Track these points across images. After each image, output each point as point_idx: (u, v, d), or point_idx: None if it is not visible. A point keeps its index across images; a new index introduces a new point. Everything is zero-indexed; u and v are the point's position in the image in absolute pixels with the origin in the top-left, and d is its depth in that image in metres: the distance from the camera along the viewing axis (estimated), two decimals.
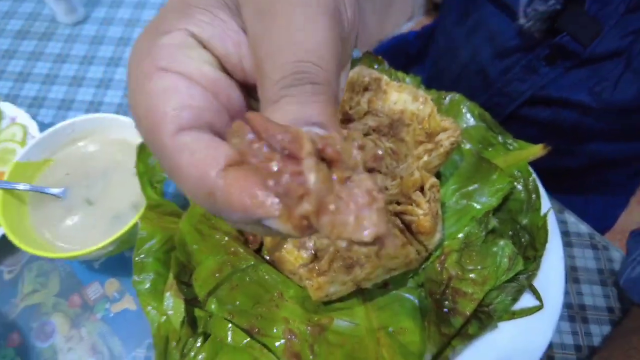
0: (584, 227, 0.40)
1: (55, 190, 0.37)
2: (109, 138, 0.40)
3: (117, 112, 0.47)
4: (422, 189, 0.33)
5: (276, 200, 0.11)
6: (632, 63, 0.39)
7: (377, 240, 0.12)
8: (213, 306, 0.29)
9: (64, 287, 0.38)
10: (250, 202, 0.12)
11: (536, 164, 0.41)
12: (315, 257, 0.32)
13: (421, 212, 0.32)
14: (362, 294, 0.35)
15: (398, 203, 0.33)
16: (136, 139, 0.40)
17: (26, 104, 0.48)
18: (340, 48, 0.16)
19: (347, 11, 0.17)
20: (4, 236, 0.38)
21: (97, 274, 0.38)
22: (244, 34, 0.16)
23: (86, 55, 0.52)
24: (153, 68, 0.15)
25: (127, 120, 0.39)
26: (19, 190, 0.35)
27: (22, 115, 0.44)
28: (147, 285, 0.30)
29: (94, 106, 0.48)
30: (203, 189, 0.13)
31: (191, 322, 0.29)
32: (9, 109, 0.45)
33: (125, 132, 0.39)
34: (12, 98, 0.48)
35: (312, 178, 0.11)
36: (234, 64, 0.16)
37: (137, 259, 0.29)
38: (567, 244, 0.40)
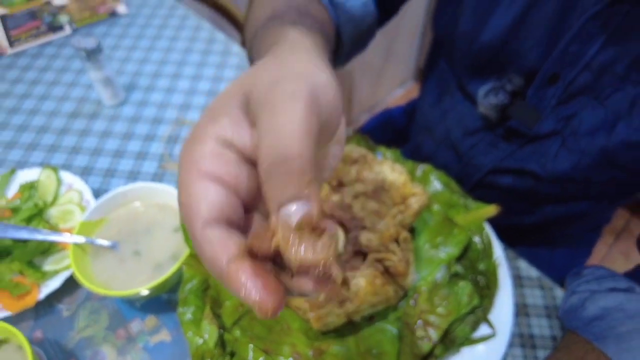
0: (533, 272, 0.50)
1: (109, 244, 0.46)
2: (151, 202, 0.50)
3: (152, 180, 0.58)
4: (397, 241, 0.43)
5: (253, 291, 0.18)
6: (566, 142, 0.50)
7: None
8: (237, 332, 0.38)
9: (112, 323, 0.46)
10: (239, 290, 0.18)
11: (503, 222, 0.51)
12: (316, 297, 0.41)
13: (396, 258, 0.41)
14: (352, 326, 0.43)
15: (379, 251, 0.42)
16: (172, 202, 0.50)
17: (79, 172, 0.58)
18: (317, 127, 0.19)
19: (327, 94, 0.21)
20: (65, 280, 0.47)
21: (139, 312, 0.47)
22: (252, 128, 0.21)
23: (126, 132, 0.63)
24: (194, 173, 0.20)
25: (165, 188, 0.49)
26: (83, 243, 0.45)
27: (77, 182, 0.55)
28: (189, 316, 0.39)
29: (133, 175, 0.58)
30: (216, 271, 0.19)
31: (222, 344, 0.38)
32: (67, 177, 0.55)
33: (163, 197, 0.50)
34: (67, 167, 0.59)
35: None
36: (249, 153, 0.21)
37: (181, 295, 0.39)
38: (520, 285, 0.49)
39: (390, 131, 0.81)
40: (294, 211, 0.18)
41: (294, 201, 0.18)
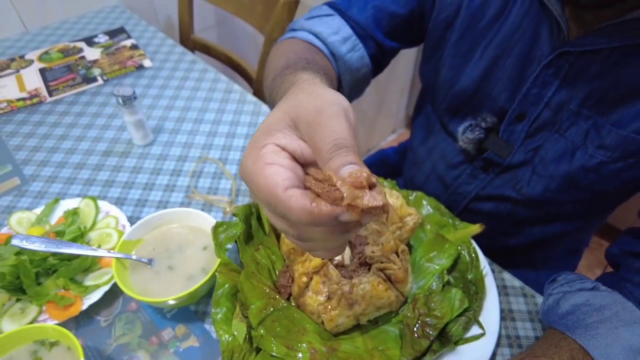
0: (517, 282, 0.57)
1: (146, 260, 0.53)
2: (183, 224, 0.57)
3: (187, 197, 0.65)
4: (397, 253, 0.50)
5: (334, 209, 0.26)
6: (535, 169, 0.58)
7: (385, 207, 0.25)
8: (262, 331, 0.44)
9: (145, 331, 0.52)
10: (331, 213, 0.26)
11: (489, 244, 0.59)
12: (328, 299, 0.47)
13: (396, 267, 0.48)
14: (360, 329, 0.50)
15: (381, 262, 0.49)
16: (201, 225, 0.57)
17: (113, 202, 0.66)
18: (352, 130, 0.29)
19: (351, 112, 0.31)
20: (104, 294, 0.53)
21: (170, 321, 0.53)
22: (300, 139, 0.30)
23: (154, 168, 0.72)
24: (263, 163, 0.28)
25: (194, 212, 0.57)
26: (123, 259, 0.52)
27: (113, 210, 0.62)
28: (220, 316, 0.45)
29: (162, 204, 0.66)
30: (304, 211, 0.26)
31: (249, 340, 0.44)
32: (104, 205, 0.63)
33: (194, 220, 0.57)
34: (102, 198, 0.66)
35: (345, 191, 0.26)
36: (298, 155, 0.30)
37: (215, 298, 0.45)
38: (505, 294, 0.55)
39: (385, 167, 0.90)
40: (356, 169, 0.26)
41: (354, 165, 0.26)
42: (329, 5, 0.64)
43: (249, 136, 0.77)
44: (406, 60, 1.72)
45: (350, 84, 0.63)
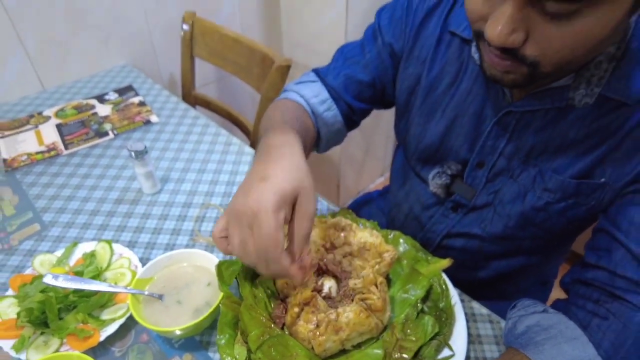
0: (484, 310, 0.64)
1: (157, 295, 0.60)
2: (188, 264, 0.65)
3: (191, 240, 0.73)
4: (376, 285, 0.58)
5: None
6: (496, 210, 0.67)
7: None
8: (260, 355, 0.51)
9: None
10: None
11: (462, 277, 0.66)
12: (317, 327, 0.55)
13: (376, 297, 0.56)
14: (345, 353, 0.57)
15: (363, 293, 0.57)
16: (205, 264, 0.65)
17: (125, 244, 0.73)
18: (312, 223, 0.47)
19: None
20: (119, 327, 0.60)
21: (177, 350, 0.59)
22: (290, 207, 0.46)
23: (162, 214, 0.80)
24: (277, 228, 0.44)
25: (199, 252, 0.65)
26: (138, 294, 0.59)
27: (126, 252, 0.70)
28: (224, 341, 0.52)
29: (170, 246, 0.74)
30: (283, 267, 0.44)
31: None
32: (118, 247, 0.71)
33: (197, 260, 0.65)
34: (115, 241, 0.74)
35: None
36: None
37: (219, 326, 0.52)
38: (474, 320, 0.63)
39: (369, 208, 0.99)
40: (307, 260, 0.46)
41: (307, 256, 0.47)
42: (314, 72, 0.79)
43: None
44: (390, 111, 1.86)
45: (327, 136, 0.77)
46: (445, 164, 0.69)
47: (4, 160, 0.92)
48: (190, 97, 1.31)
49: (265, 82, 1.07)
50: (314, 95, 0.74)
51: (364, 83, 0.74)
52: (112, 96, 1.14)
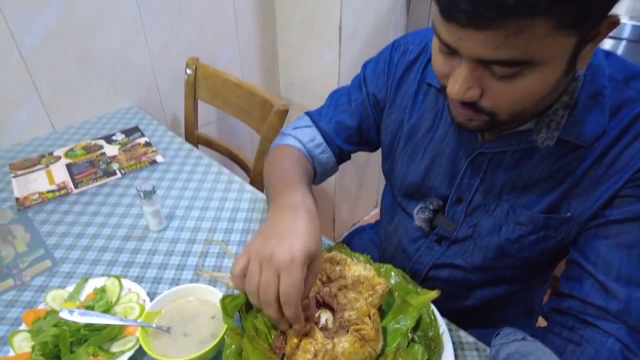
0: (471, 338, 0.69)
1: (165, 328, 0.65)
2: (194, 298, 0.69)
3: (196, 274, 0.77)
4: (369, 316, 0.63)
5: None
6: (475, 242, 0.72)
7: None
8: None
9: None
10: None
11: (449, 307, 0.71)
12: (315, 356, 0.59)
13: (369, 328, 0.61)
14: None
15: (357, 324, 0.62)
16: (209, 298, 0.69)
17: (133, 280, 0.78)
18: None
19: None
20: (128, 359, 0.63)
21: None
22: None
23: (168, 250, 0.85)
24: (302, 279, 0.53)
25: (204, 287, 0.69)
26: (147, 327, 0.63)
27: (135, 287, 0.74)
28: None
29: (175, 281, 0.78)
30: (298, 316, 0.54)
31: None
32: (127, 282, 0.75)
33: (202, 294, 0.69)
34: (124, 276, 0.78)
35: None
36: None
37: (224, 356, 0.56)
38: (461, 349, 0.67)
39: (362, 241, 1.05)
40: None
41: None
42: (308, 116, 0.88)
43: (247, 220, 0.92)
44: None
45: (322, 172, 0.85)
46: (427, 200, 0.75)
47: (17, 199, 0.97)
48: (193, 137, 1.38)
49: (265, 124, 1.14)
50: (310, 140, 0.83)
51: (352, 128, 0.83)
52: (119, 137, 1.20)
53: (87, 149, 1.15)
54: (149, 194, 0.84)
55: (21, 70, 1.12)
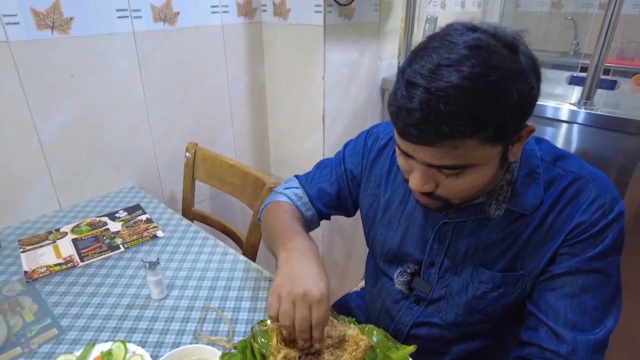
0: None
1: None
2: (197, 358, 0.76)
3: (195, 338, 0.84)
4: None
5: None
6: (449, 301, 0.83)
7: None
8: None
9: None
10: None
11: None
12: None
13: None
14: None
15: None
16: (209, 357, 0.76)
17: (137, 344, 0.84)
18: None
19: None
20: None
21: None
22: None
23: (168, 317, 0.92)
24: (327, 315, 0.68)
25: (202, 347, 0.76)
26: None
27: (139, 350, 0.80)
28: None
29: (175, 344, 0.84)
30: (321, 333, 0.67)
31: None
32: (131, 346, 0.81)
33: (203, 354, 0.76)
34: (128, 341, 0.84)
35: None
36: None
37: None
38: None
39: (348, 308, 1.13)
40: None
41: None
42: (297, 179, 1.02)
43: (241, 289, 1.00)
44: None
45: (307, 226, 0.97)
46: (405, 264, 0.86)
47: (25, 272, 1.04)
48: (189, 213, 1.49)
49: (258, 199, 1.26)
50: (299, 199, 0.97)
51: (332, 195, 0.97)
52: (122, 214, 1.31)
53: (92, 225, 1.24)
54: (153, 265, 0.93)
55: (38, 156, 1.25)
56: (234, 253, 1.13)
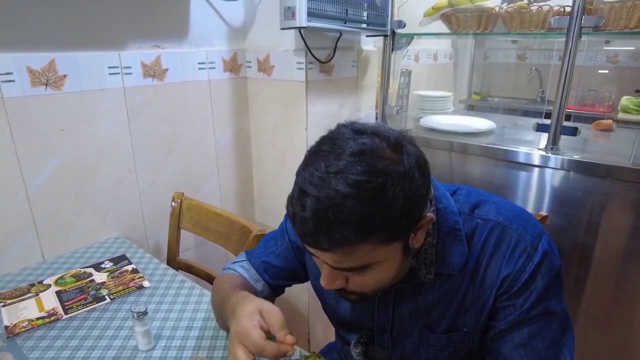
0: None
1: None
2: None
3: None
4: None
5: None
6: None
7: None
8: None
9: None
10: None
11: None
12: None
13: None
14: None
15: None
16: None
17: None
18: (283, 317, 0.70)
19: (278, 311, 0.70)
20: None
21: None
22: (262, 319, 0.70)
23: None
24: (257, 328, 0.69)
25: None
26: None
27: None
28: None
29: None
30: (269, 352, 0.67)
31: None
32: None
33: None
34: None
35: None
36: (262, 325, 0.69)
37: None
38: None
39: (331, 355, 1.13)
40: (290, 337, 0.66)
41: (289, 335, 0.67)
42: (246, 254, 1.03)
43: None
44: None
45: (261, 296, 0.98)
46: (359, 332, 0.88)
47: (6, 327, 1.03)
48: (175, 262, 1.49)
49: (244, 247, 1.28)
50: (246, 271, 0.99)
51: (279, 268, 0.98)
52: (108, 265, 1.30)
53: (77, 277, 1.24)
54: (141, 315, 0.93)
55: (24, 207, 1.26)
56: None
